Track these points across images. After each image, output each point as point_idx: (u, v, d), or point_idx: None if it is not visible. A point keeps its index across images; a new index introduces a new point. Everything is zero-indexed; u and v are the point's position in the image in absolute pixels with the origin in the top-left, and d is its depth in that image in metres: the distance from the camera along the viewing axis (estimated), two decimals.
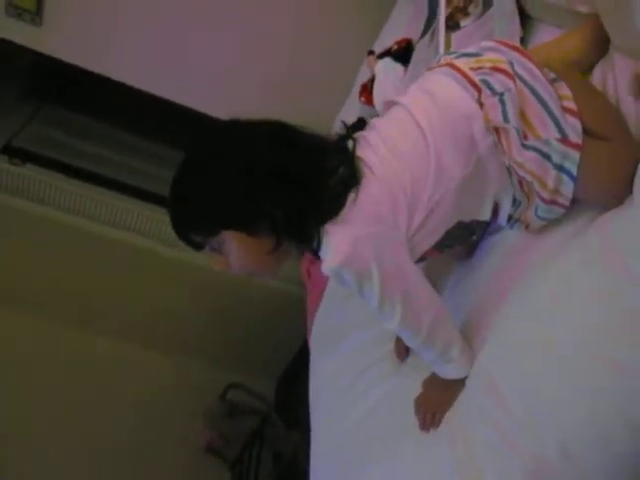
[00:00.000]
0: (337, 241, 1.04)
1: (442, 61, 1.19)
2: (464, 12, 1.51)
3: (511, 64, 1.09)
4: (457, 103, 1.09)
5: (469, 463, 1.08)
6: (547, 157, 1.05)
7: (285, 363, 3.27)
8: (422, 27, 1.82)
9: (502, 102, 1.06)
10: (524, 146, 1.06)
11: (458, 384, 1.17)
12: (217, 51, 2.49)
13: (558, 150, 1.04)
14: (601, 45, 1.19)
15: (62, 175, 2.79)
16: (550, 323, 1.04)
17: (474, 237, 1.26)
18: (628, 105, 1.09)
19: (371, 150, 1.11)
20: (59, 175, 2.79)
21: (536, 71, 1.09)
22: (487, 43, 1.17)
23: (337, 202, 1.05)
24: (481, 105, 1.07)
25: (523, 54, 1.12)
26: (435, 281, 1.35)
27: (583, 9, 1.18)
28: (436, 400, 1.21)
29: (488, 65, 1.10)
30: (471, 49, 1.16)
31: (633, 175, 1.02)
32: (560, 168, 1.05)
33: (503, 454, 1.02)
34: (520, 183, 1.10)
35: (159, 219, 2.84)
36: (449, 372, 1.17)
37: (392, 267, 1.06)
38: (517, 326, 1.11)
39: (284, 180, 1.05)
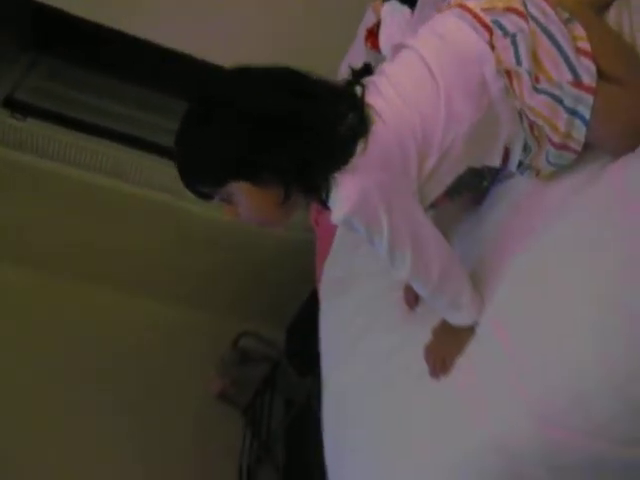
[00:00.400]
0: (346, 190, 1.03)
1: (453, 2, 1.15)
2: None
3: (524, 3, 1.06)
4: (468, 46, 1.07)
5: (476, 408, 1.09)
6: (559, 101, 1.03)
7: (296, 310, 3.30)
8: None
9: (514, 44, 1.03)
10: (536, 89, 1.03)
11: (468, 331, 1.17)
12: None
13: (571, 93, 1.02)
14: None
15: (64, 128, 2.76)
16: (564, 270, 1.03)
17: (485, 183, 1.24)
18: None
19: (380, 96, 1.09)
20: (61, 128, 2.76)
21: (549, 11, 1.06)
22: None
23: (346, 151, 1.04)
24: (492, 47, 1.04)
25: None
26: (445, 230, 1.34)
27: None
28: (446, 347, 1.22)
29: (500, 5, 1.06)
30: None
31: None
32: (573, 112, 1.03)
33: (512, 400, 1.02)
34: (531, 127, 1.08)
35: (163, 170, 2.81)
36: (459, 319, 1.17)
37: (402, 216, 1.06)
38: (529, 273, 1.10)
39: (291, 130, 1.03)
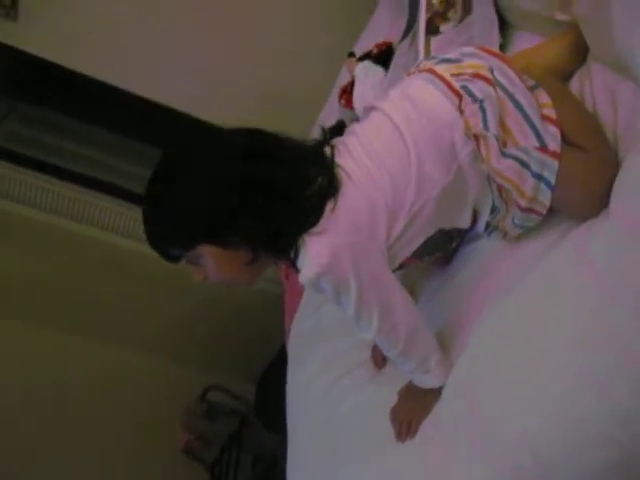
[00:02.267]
0: (315, 251, 1.03)
1: (422, 66, 1.18)
2: (444, 17, 1.50)
3: (491, 70, 1.08)
4: (438, 110, 1.08)
5: (444, 475, 1.08)
6: (526, 165, 1.05)
7: (265, 365, 3.25)
8: (403, 30, 1.81)
9: (482, 109, 1.05)
10: (503, 154, 1.05)
11: (434, 393, 1.16)
12: (196, 50, 2.47)
13: (537, 159, 1.04)
14: (581, 53, 1.19)
15: (37, 172, 2.74)
16: (529, 333, 1.03)
17: (453, 244, 1.25)
18: (606, 115, 1.09)
19: (350, 157, 1.09)
20: (33, 172, 2.73)
21: (516, 78, 1.09)
22: (468, 49, 1.16)
23: (315, 213, 1.03)
24: (461, 112, 1.06)
25: (503, 60, 1.11)
26: (413, 288, 1.35)
27: (562, 18, 1.18)
28: (412, 409, 1.20)
29: (469, 71, 1.09)
30: (452, 55, 1.16)
31: (610, 187, 1.01)
32: (539, 177, 1.05)
33: (479, 466, 1.01)
34: (499, 190, 1.10)
35: (135, 217, 2.79)
36: (426, 382, 1.16)
37: (370, 278, 1.05)
38: (495, 336, 1.11)
39: (261, 193, 1.03)
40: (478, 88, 1.06)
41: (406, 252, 1.14)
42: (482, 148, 1.06)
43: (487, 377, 1.07)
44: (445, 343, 1.18)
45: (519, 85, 1.08)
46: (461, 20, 1.46)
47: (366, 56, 1.90)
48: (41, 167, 2.77)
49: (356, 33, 2.24)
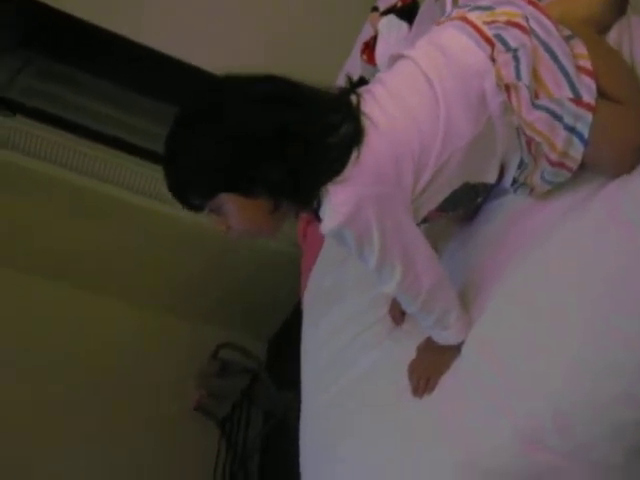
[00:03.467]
0: (338, 201, 1.00)
1: (454, 14, 1.14)
2: None
3: (526, 18, 1.05)
4: (469, 59, 1.05)
5: (461, 427, 1.07)
6: (558, 118, 1.02)
7: (278, 323, 3.26)
8: None
9: (516, 58, 1.02)
10: (535, 105, 1.02)
11: (454, 350, 1.15)
12: (217, 3, 2.42)
13: (570, 110, 1.01)
14: (620, 5, 1.15)
15: (52, 127, 2.72)
16: (553, 290, 1.02)
17: (479, 199, 1.23)
18: None
19: (377, 105, 1.06)
20: (49, 127, 2.71)
21: (551, 27, 1.05)
22: None
23: (339, 161, 1.01)
24: (493, 61, 1.03)
25: (539, 9, 1.07)
26: (436, 245, 1.33)
27: None
28: (431, 365, 1.20)
29: (502, 19, 1.05)
30: (485, 2, 1.12)
31: None
32: (571, 130, 1.02)
33: (497, 420, 1.01)
34: (529, 144, 1.07)
35: (150, 175, 2.79)
36: (446, 338, 1.15)
37: (393, 229, 1.03)
38: (517, 293, 1.09)
39: (280, 141, 1.00)
40: (512, 36, 1.03)
41: (432, 204, 1.12)
42: (513, 99, 1.03)
43: (510, 335, 1.05)
44: (466, 300, 1.17)
45: (555, 34, 1.04)
46: None
47: (390, 10, 1.86)
48: (55, 121, 2.74)
49: None
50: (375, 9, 1.97)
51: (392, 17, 1.83)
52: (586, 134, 1.01)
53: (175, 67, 2.53)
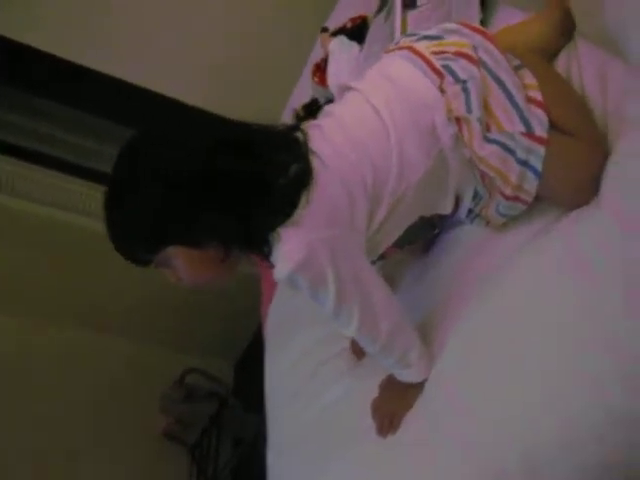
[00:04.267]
0: (289, 247, 0.95)
1: (401, 43, 1.11)
2: None
3: (474, 49, 1.02)
4: (418, 91, 1.02)
5: (423, 466, 1.04)
6: (511, 151, 0.99)
7: (243, 346, 3.21)
8: (378, 3, 1.74)
9: (465, 90, 0.99)
10: (486, 139, 0.99)
11: (416, 388, 1.12)
12: (165, 29, 2.39)
13: (522, 144, 0.98)
14: (567, 31, 1.13)
15: (14, 158, 2.66)
16: (514, 325, 0.99)
17: (435, 231, 1.20)
18: (595, 97, 1.03)
19: (326, 141, 1.02)
20: (16, 160, 2.66)
21: (500, 57, 1.02)
22: (450, 25, 1.09)
23: (289, 205, 0.96)
24: (443, 92, 1.00)
25: (487, 38, 1.05)
26: (391, 279, 1.30)
27: None
28: (394, 404, 1.16)
29: (451, 49, 1.02)
30: (433, 31, 1.09)
31: (600, 174, 0.96)
32: (524, 163, 0.99)
33: (460, 465, 0.98)
34: (482, 177, 1.04)
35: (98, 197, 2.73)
36: (407, 376, 1.11)
37: (349, 272, 0.99)
38: (479, 329, 1.06)
39: (227, 187, 0.95)
40: (461, 67, 1.00)
41: (388, 241, 1.09)
42: (465, 132, 1.00)
43: (470, 375, 1.02)
44: (426, 335, 1.14)
45: (504, 64, 1.02)
46: None
47: (340, 31, 1.83)
48: (18, 152, 2.68)
49: (330, 7, 2.15)
50: (325, 30, 1.94)
51: (342, 38, 1.80)
52: (539, 167, 0.99)
53: (148, 96, 2.49)
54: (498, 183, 1.02)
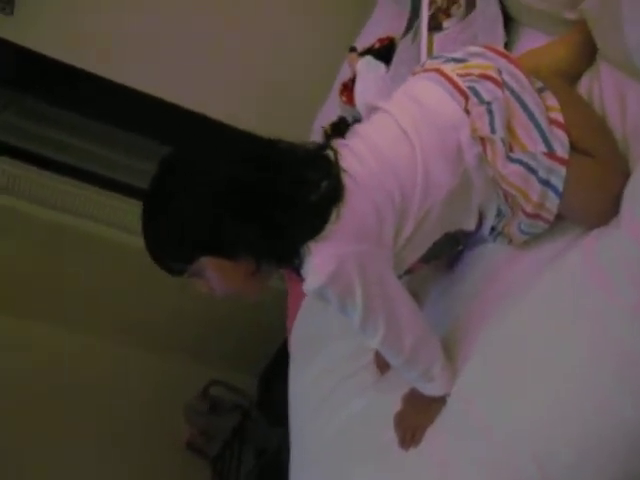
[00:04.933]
0: (320, 260, 0.99)
1: (428, 65, 1.15)
2: (447, 13, 1.46)
3: (499, 71, 1.05)
4: (445, 112, 1.05)
5: None
6: (533, 171, 1.02)
7: (267, 359, 3.23)
8: (405, 25, 1.77)
9: (490, 112, 1.02)
10: (509, 159, 1.02)
11: (439, 401, 1.14)
12: (195, 46, 2.44)
13: (544, 164, 1.01)
14: (589, 54, 1.16)
15: (33, 166, 2.71)
16: (536, 342, 1.01)
17: (459, 247, 1.22)
18: (615, 119, 1.05)
19: (355, 159, 1.06)
20: (30, 167, 2.71)
21: (524, 80, 1.05)
22: (474, 48, 1.13)
23: (320, 220, 0.99)
24: (468, 113, 1.03)
25: (511, 61, 1.08)
26: (418, 293, 1.33)
27: (571, 16, 1.14)
28: (416, 417, 1.18)
29: (476, 72, 1.06)
30: (458, 54, 1.12)
31: (620, 194, 0.98)
32: (546, 183, 1.02)
33: (480, 474, 1.00)
34: (505, 195, 1.07)
35: (132, 211, 2.78)
36: (430, 390, 1.14)
37: (376, 287, 1.02)
38: (501, 344, 1.08)
39: (259, 202, 0.99)
40: (486, 89, 1.03)
41: (414, 256, 1.12)
42: (488, 152, 1.03)
43: (491, 391, 1.05)
44: (449, 350, 1.16)
45: (527, 87, 1.04)
46: (464, 16, 1.42)
47: (368, 51, 1.87)
48: (36, 160, 2.73)
49: (358, 28, 2.20)
50: (353, 49, 1.97)
51: (370, 58, 1.84)
52: (560, 187, 1.01)
53: (155, 104, 2.54)
54: (520, 201, 1.04)
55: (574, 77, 1.16)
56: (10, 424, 2.72)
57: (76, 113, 2.83)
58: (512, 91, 1.04)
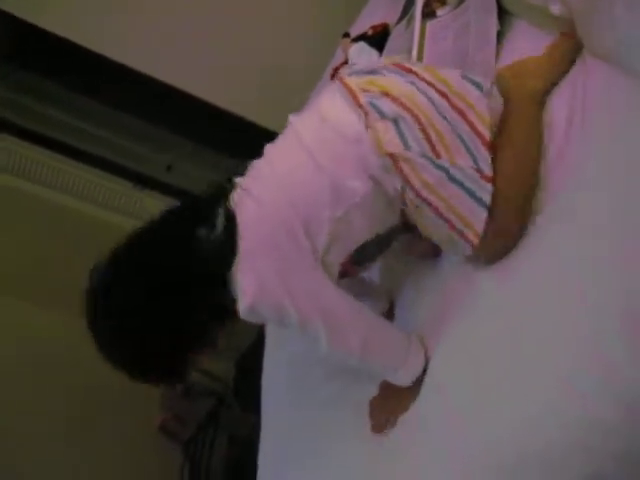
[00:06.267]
0: (243, 284, 1.01)
1: (341, 71, 1.18)
2: (441, 1, 1.46)
3: (416, 86, 1.05)
4: (345, 127, 1.05)
5: (415, 467, 1.06)
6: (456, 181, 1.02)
7: (244, 346, 3.22)
8: (400, 11, 1.77)
9: (396, 126, 1.01)
10: (435, 165, 1.01)
11: (412, 390, 1.13)
12: (196, 31, 2.45)
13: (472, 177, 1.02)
14: (573, 60, 1.15)
15: (31, 143, 2.71)
16: (509, 340, 0.99)
17: (395, 243, 1.23)
18: (600, 110, 1.04)
19: (259, 180, 1.08)
20: (27, 143, 2.71)
21: (437, 97, 1.04)
22: (383, 62, 1.13)
23: (228, 253, 1.02)
24: (367, 127, 1.02)
25: (421, 79, 1.07)
26: (398, 281, 1.32)
27: (556, 11, 1.13)
28: (390, 404, 1.18)
29: (377, 89, 1.04)
30: (367, 67, 1.12)
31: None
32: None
33: (449, 466, 0.99)
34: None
35: (122, 192, 2.76)
36: (400, 379, 1.13)
37: (304, 294, 1.03)
38: (466, 333, 1.08)
39: (179, 292, 1.03)
40: (387, 106, 1.02)
41: (339, 259, 1.11)
42: (404, 168, 1.02)
43: (463, 379, 1.04)
44: (424, 333, 1.16)
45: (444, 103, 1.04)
46: (458, 5, 1.41)
47: (361, 37, 1.86)
48: (34, 137, 2.73)
49: (354, 12, 2.19)
50: (346, 35, 1.96)
51: (363, 44, 1.83)
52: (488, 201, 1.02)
53: (158, 87, 2.53)
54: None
55: (550, 89, 1.15)
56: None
57: (76, 92, 2.82)
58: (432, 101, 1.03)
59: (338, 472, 1.26)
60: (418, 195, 1.03)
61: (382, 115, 1.02)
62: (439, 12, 1.46)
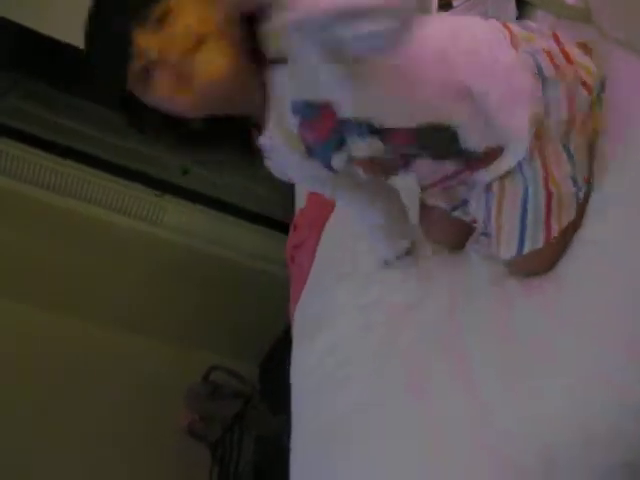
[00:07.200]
0: None
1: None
2: None
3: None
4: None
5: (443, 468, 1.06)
6: None
7: (269, 346, 3.23)
8: None
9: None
10: None
11: None
12: None
13: None
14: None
15: (37, 150, 2.71)
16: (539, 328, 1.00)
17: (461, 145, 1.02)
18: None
19: None
20: (35, 149, 2.71)
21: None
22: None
23: None
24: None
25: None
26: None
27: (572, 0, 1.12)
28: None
29: (539, 46, 1.00)
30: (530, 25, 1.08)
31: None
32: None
33: (482, 461, 0.98)
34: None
35: (136, 196, 2.77)
36: None
37: None
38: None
39: None
40: (545, 63, 0.99)
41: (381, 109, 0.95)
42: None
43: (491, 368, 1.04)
44: None
45: None
46: None
47: None
48: (40, 143, 2.73)
49: None
50: None
51: None
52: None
53: None
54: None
55: None
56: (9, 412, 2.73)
57: (81, 97, 2.82)
58: None
59: (369, 470, 1.25)
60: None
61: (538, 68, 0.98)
62: (455, 2, 1.45)
